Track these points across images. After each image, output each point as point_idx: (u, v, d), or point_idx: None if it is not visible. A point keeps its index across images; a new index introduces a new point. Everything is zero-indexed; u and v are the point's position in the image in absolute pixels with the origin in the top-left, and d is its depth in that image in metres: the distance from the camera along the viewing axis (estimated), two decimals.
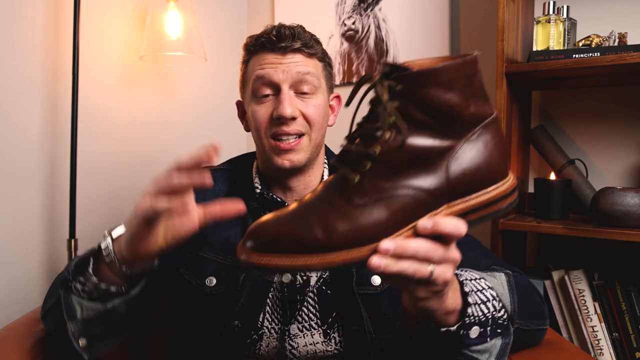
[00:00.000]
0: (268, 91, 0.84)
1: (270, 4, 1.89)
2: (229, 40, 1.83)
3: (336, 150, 0.98)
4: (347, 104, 0.54)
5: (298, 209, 0.50)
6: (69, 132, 1.26)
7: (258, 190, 0.89)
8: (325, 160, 0.94)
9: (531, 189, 1.30)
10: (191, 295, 0.87)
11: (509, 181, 0.53)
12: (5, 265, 1.22)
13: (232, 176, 0.93)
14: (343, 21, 1.70)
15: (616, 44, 1.12)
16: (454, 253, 0.52)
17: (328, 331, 0.84)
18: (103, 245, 0.65)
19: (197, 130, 1.72)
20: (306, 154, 0.85)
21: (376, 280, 0.84)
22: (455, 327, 0.59)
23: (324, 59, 0.89)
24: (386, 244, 0.48)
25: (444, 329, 0.59)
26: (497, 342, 0.62)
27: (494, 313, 0.61)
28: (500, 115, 1.11)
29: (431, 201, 0.50)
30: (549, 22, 1.15)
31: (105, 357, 0.86)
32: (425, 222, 0.49)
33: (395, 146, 0.48)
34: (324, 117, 0.87)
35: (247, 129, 0.92)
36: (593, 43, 1.13)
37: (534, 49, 1.18)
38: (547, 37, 1.16)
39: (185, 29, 1.41)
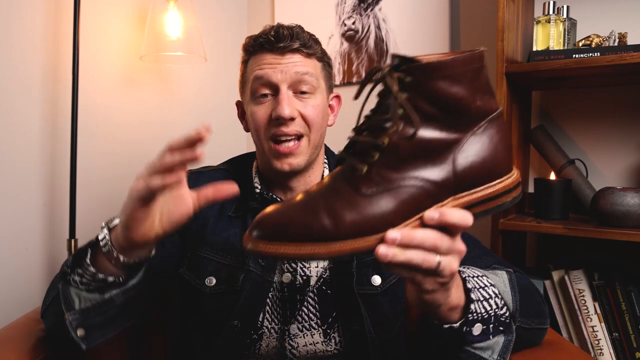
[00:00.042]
0: (267, 91, 0.84)
1: (270, 4, 1.89)
2: (229, 40, 1.83)
3: (336, 150, 0.98)
4: (356, 97, 0.54)
5: (305, 199, 0.51)
6: (69, 132, 1.26)
7: (258, 191, 0.89)
8: (325, 160, 0.94)
9: (531, 189, 1.30)
10: (191, 295, 0.87)
11: (514, 176, 0.54)
12: (5, 265, 1.22)
13: (231, 176, 0.93)
14: (343, 21, 1.70)
15: (616, 44, 1.12)
16: (460, 244, 0.52)
17: (328, 331, 0.84)
18: (100, 236, 0.65)
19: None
20: (305, 157, 0.85)
21: (376, 280, 0.84)
22: (458, 324, 0.59)
23: (323, 58, 0.89)
24: (393, 233, 0.48)
25: (447, 326, 0.59)
26: (499, 339, 0.62)
27: (496, 310, 0.62)
28: None
29: (438, 193, 0.51)
30: (549, 22, 1.15)
31: (106, 357, 0.87)
32: (432, 213, 0.50)
33: (405, 137, 0.49)
34: (322, 117, 0.87)
35: (247, 130, 0.92)
36: (593, 43, 1.13)
37: (534, 49, 1.18)
38: (547, 37, 1.16)
39: (185, 29, 1.41)
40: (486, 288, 0.63)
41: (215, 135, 1.76)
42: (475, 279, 0.63)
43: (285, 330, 0.84)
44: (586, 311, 1.09)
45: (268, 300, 0.85)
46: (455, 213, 0.50)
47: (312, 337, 0.84)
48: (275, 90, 0.84)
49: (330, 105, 0.93)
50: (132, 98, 1.50)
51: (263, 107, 0.85)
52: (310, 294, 0.85)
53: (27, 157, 1.25)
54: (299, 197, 0.52)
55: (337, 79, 1.71)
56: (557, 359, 0.78)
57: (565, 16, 1.17)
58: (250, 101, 0.87)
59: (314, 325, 0.84)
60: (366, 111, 0.54)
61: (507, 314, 0.63)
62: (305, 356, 0.84)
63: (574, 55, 1.09)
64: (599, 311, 1.08)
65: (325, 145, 0.96)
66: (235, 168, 0.95)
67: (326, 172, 0.93)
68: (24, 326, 0.85)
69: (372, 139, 0.51)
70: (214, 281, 0.84)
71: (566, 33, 1.17)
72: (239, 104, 0.95)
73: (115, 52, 1.44)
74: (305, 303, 0.84)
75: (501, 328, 0.62)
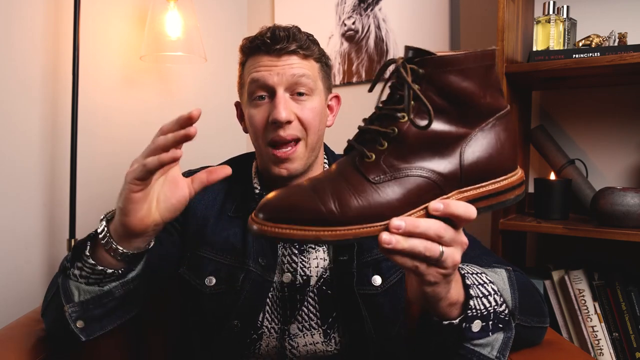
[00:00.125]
0: (263, 94, 0.84)
1: (270, 4, 1.89)
2: (229, 40, 1.83)
3: (337, 150, 0.98)
4: (371, 89, 0.55)
5: (312, 183, 0.52)
6: (69, 132, 1.26)
7: (257, 191, 0.89)
8: (325, 160, 0.94)
9: (531, 189, 1.29)
10: (191, 295, 0.87)
11: (518, 174, 0.55)
12: (5, 265, 1.22)
13: (230, 177, 0.92)
14: (343, 21, 1.70)
15: (616, 44, 1.12)
16: (463, 237, 0.53)
17: (328, 331, 0.84)
18: (99, 229, 0.65)
19: (197, 130, 1.72)
20: (302, 161, 0.85)
21: (377, 280, 0.84)
22: (457, 320, 0.59)
23: (321, 59, 0.88)
24: (397, 221, 0.49)
25: (446, 322, 0.59)
26: (498, 336, 0.62)
27: (495, 307, 0.62)
28: None
29: (443, 185, 0.51)
30: (549, 22, 1.15)
31: (106, 357, 0.87)
32: (437, 204, 0.50)
33: (416, 127, 0.50)
34: (320, 119, 0.86)
35: (246, 131, 0.92)
36: (593, 43, 1.13)
37: (534, 49, 1.18)
38: (547, 37, 1.16)
39: (185, 29, 1.41)
40: (485, 285, 0.63)
41: (215, 135, 1.76)
42: (474, 275, 0.63)
43: (285, 330, 0.84)
44: (586, 311, 1.09)
45: (268, 300, 0.85)
46: (459, 205, 0.50)
47: (312, 337, 0.84)
48: (271, 92, 0.83)
49: (329, 106, 0.93)
50: (132, 98, 1.50)
51: (260, 111, 0.84)
52: (311, 293, 0.85)
53: (27, 157, 1.25)
54: (305, 182, 0.53)
55: (337, 79, 1.71)
56: (557, 358, 0.78)
57: (565, 16, 1.17)
58: (248, 103, 0.87)
59: (314, 325, 0.84)
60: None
61: (506, 311, 0.64)
62: (305, 356, 0.84)
63: (574, 55, 1.09)
64: (599, 311, 1.08)
65: (325, 145, 0.96)
66: (234, 168, 0.95)
67: None
68: (24, 326, 0.85)
69: (383, 128, 0.51)
70: (214, 281, 0.84)
71: (566, 33, 1.17)
72: (238, 105, 0.95)
73: (115, 52, 1.45)
74: (306, 303, 0.84)
75: (500, 325, 0.63)
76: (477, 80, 0.51)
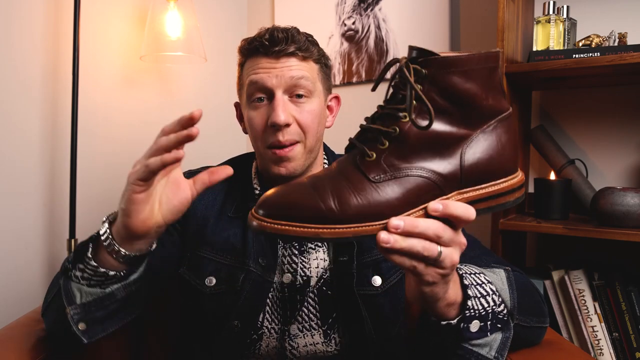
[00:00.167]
0: (262, 96, 0.84)
1: (270, 4, 1.89)
2: (229, 40, 1.83)
3: (337, 150, 0.98)
4: (374, 88, 0.55)
5: (312, 181, 0.52)
6: (69, 132, 1.26)
7: (257, 192, 0.89)
8: (325, 160, 0.94)
9: (531, 189, 1.30)
10: (191, 295, 0.87)
11: (518, 176, 0.55)
12: (5, 264, 1.22)
13: (230, 177, 0.92)
14: (343, 21, 1.70)
15: (616, 44, 1.12)
16: (462, 237, 0.53)
17: (328, 332, 0.84)
18: (101, 231, 0.65)
19: (199, 131, 1.72)
20: (301, 161, 0.85)
21: (377, 280, 0.84)
22: (455, 321, 0.59)
23: (320, 60, 0.88)
24: (396, 220, 0.49)
25: (444, 323, 0.59)
26: (497, 337, 0.62)
27: (493, 307, 0.62)
28: None
29: (443, 186, 0.52)
30: (549, 22, 1.15)
31: (106, 357, 0.87)
32: (436, 205, 0.51)
33: (417, 127, 0.50)
34: (319, 121, 0.86)
35: (246, 131, 0.92)
36: (593, 43, 1.13)
37: (534, 49, 1.18)
38: (547, 37, 1.16)
39: (185, 29, 1.41)
40: (483, 285, 0.63)
41: (215, 135, 1.76)
42: (472, 275, 0.63)
43: (285, 331, 0.84)
44: (586, 311, 1.09)
45: (268, 300, 0.85)
46: (459, 206, 0.50)
47: (312, 337, 0.84)
48: (270, 95, 0.83)
49: (328, 107, 0.93)
50: (132, 98, 1.50)
51: (259, 113, 0.84)
52: (311, 294, 0.85)
53: (27, 157, 1.25)
54: (305, 179, 0.53)
55: (337, 79, 1.71)
56: (557, 358, 0.78)
57: (565, 16, 1.17)
58: (247, 105, 0.86)
59: (314, 325, 0.84)
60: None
61: (504, 311, 0.64)
62: (305, 356, 0.84)
63: (574, 55, 1.09)
64: (599, 311, 1.08)
65: (325, 145, 0.96)
66: (235, 168, 0.95)
67: None
68: (24, 326, 0.85)
69: (384, 127, 0.52)
70: (214, 281, 0.84)
71: (566, 33, 1.17)
72: (237, 106, 0.94)
73: (115, 52, 1.44)
74: (306, 303, 0.84)
75: (499, 325, 0.63)
76: (480, 81, 0.51)
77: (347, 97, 1.57)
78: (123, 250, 0.64)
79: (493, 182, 0.53)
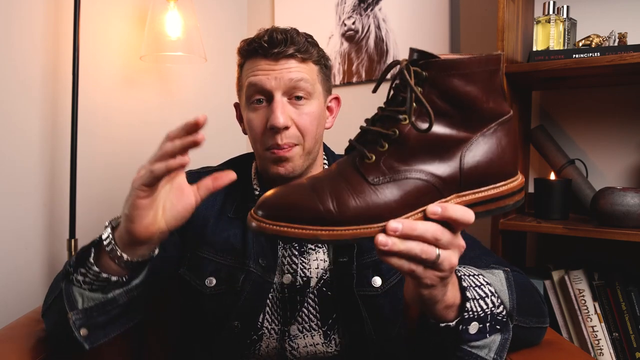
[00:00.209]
0: (261, 98, 0.84)
1: (270, 4, 1.89)
2: (229, 40, 1.83)
3: (337, 150, 0.98)
4: (374, 90, 0.55)
5: (311, 182, 0.52)
6: (69, 132, 1.26)
7: (257, 193, 0.89)
8: (325, 161, 0.94)
9: (531, 189, 1.30)
10: (191, 296, 0.87)
11: (518, 180, 0.55)
12: (5, 264, 1.22)
13: None
14: (343, 21, 1.70)
15: (616, 44, 1.12)
16: (460, 240, 0.53)
17: (328, 332, 0.84)
18: (104, 236, 0.65)
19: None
20: (299, 162, 0.85)
21: (377, 281, 0.84)
22: (454, 323, 0.59)
23: (320, 61, 0.87)
24: (395, 223, 0.49)
25: (443, 325, 0.59)
26: (496, 338, 0.62)
27: (492, 309, 0.62)
28: None
29: (442, 189, 0.51)
30: (549, 22, 1.15)
31: (106, 357, 0.86)
32: (435, 207, 0.50)
33: (417, 130, 0.50)
34: (318, 123, 0.86)
35: (245, 132, 0.92)
36: (593, 43, 1.13)
37: (534, 49, 1.18)
38: (547, 37, 1.16)
39: (185, 29, 1.41)
40: (482, 287, 0.63)
41: (215, 135, 1.76)
42: (471, 277, 0.63)
43: (285, 331, 0.84)
44: (586, 311, 1.09)
45: (268, 301, 0.85)
46: (458, 209, 0.50)
47: (312, 338, 0.84)
48: (269, 97, 0.83)
49: (328, 107, 0.93)
50: (132, 98, 1.50)
51: (258, 115, 0.84)
52: (311, 295, 0.85)
53: (27, 157, 1.25)
54: (305, 180, 0.53)
55: (337, 79, 1.71)
56: (557, 358, 0.78)
57: (565, 16, 1.17)
58: (246, 107, 0.86)
59: (314, 326, 0.84)
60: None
61: (503, 313, 0.63)
62: (305, 357, 0.84)
63: (574, 55, 1.09)
64: (599, 311, 1.08)
65: (325, 145, 0.96)
66: (235, 168, 0.95)
67: None
68: (24, 326, 0.85)
69: (384, 129, 0.51)
70: (214, 281, 0.84)
71: (566, 33, 1.17)
72: (237, 106, 0.94)
73: (115, 52, 1.44)
74: (306, 304, 0.84)
75: (498, 327, 0.62)
76: (481, 84, 0.51)
77: (347, 97, 1.57)
78: (125, 255, 0.64)
79: (492, 185, 0.53)
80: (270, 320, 0.84)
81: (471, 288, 0.61)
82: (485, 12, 1.43)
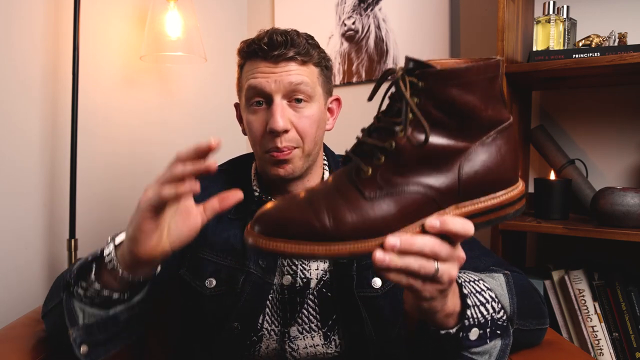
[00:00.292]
0: (261, 100, 0.83)
1: (270, 4, 1.89)
2: (229, 40, 1.83)
3: (337, 150, 0.98)
4: (370, 98, 0.53)
5: (308, 196, 0.51)
6: (69, 132, 1.26)
7: (257, 194, 0.89)
8: (325, 162, 0.94)
9: (531, 189, 1.30)
10: (191, 296, 0.87)
11: (519, 187, 0.53)
12: (5, 265, 1.22)
13: (231, 178, 0.92)
14: (343, 21, 1.70)
15: (616, 44, 1.12)
16: (460, 252, 0.52)
17: (328, 333, 0.84)
18: (106, 252, 0.64)
19: (197, 130, 1.72)
20: (299, 164, 0.84)
21: (377, 282, 0.84)
22: (454, 330, 0.59)
23: (321, 62, 0.87)
24: (393, 239, 0.48)
25: (443, 332, 0.59)
26: (496, 343, 0.62)
27: (493, 314, 0.61)
28: None
29: (440, 200, 0.50)
30: (549, 22, 1.15)
31: (105, 357, 0.86)
32: (433, 221, 0.50)
33: (414, 143, 0.49)
34: (318, 126, 0.85)
35: (245, 133, 0.91)
36: (593, 43, 1.13)
37: (534, 49, 1.17)
38: (547, 37, 1.16)
39: (185, 29, 1.41)
40: (482, 292, 0.62)
41: (215, 135, 1.76)
42: (471, 283, 0.62)
43: (285, 333, 0.84)
44: (586, 311, 1.09)
45: (268, 302, 0.85)
46: (457, 222, 0.49)
47: (312, 339, 0.84)
48: (269, 100, 0.82)
49: (329, 109, 0.92)
50: (132, 98, 1.50)
51: (258, 118, 0.84)
52: (311, 296, 0.85)
53: (27, 157, 1.25)
54: (302, 193, 0.52)
55: (337, 79, 1.71)
56: (557, 359, 0.78)
57: (565, 16, 1.16)
58: (246, 108, 0.86)
59: (314, 327, 0.84)
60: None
61: (504, 318, 0.63)
62: (305, 358, 0.84)
63: (574, 55, 1.09)
64: (599, 311, 1.08)
65: (325, 146, 0.96)
66: (234, 169, 0.95)
67: (326, 174, 0.92)
68: (24, 326, 0.85)
69: (380, 141, 0.50)
70: (214, 282, 0.84)
71: (566, 33, 1.17)
72: (237, 106, 0.94)
73: (115, 52, 1.44)
74: (306, 305, 0.84)
75: (498, 332, 0.62)
76: (480, 93, 0.49)
77: (347, 97, 1.56)
78: (126, 275, 0.63)
79: (492, 195, 0.52)
80: (270, 322, 0.84)
81: (472, 294, 0.60)
82: (485, 12, 1.42)
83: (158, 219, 0.59)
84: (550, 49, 1.14)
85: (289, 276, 0.85)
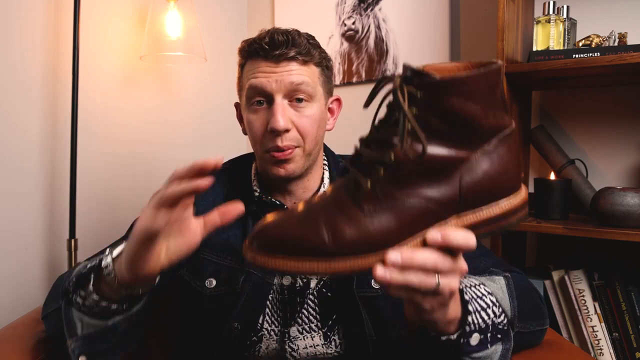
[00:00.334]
0: (261, 99, 0.83)
1: (270, 4, 1.89)
2: (229, 40, 1.83)
3: (337, 150, 0.98)
4: (366, 105, 0.52)
5: (307, 211, 0.50)
6: (69, 132, 1.26)
7: (257, 194, 0.89)
8: (325, 162, 0.94)
9: (531, 189, 1.30)
10: (191, 297, 0.87)
11: (521, 194, 0.52)
12: (5, 265, 1.22)
13: (231, 178, 0.92)
14: (343, 21, 1.70)
15: (616, 44, 1.12)
16: (462, 264, 0.51)
17: (328, 333, 0.84)
18: (103, 264, 0.63)
19: (197, 130, 1.72)
20: (300, 164, 0.84)
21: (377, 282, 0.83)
22: (455, 336, 0.58)
23: (322, 62, 0.87)
24: (394, 255, 0.47)
25: (444, 337, 0.58)
26: (497, 348, 0.61)
27: (493, 319, 0.61)
28: None
29: (441, 211, 0.49)
30: (549, 22, 1.15)
31: None
32: (435, 235, 0.48)
33: (413, 154, 0.48)
34: (318, 126, 0.85)
35: (245, 132, 0.91)
36: (593, 43, 1.13)
37: (534, 49, 1.17)
38: (547, 37, 1.16)
39: (185, 29, 1.41)
40: (484, 297, 0.62)
41: (215, 135, 1.76)
42: (472, 289, 0.62)
43: (285, 333, 0.84)
44: (586, 311, 1.09)
45: (268, 302, 0.85)
46: (458, 235, 0.48)
47: (313, 339, 0.84)
48: (270, 99, 0.82)
49: (329, 109, 0.92)
50: (132, 98, 1.50)
51: (258, 117, 0.84)
52: (311, 296, 0.85)
53: (27, 157, 1.25)
54: (301, 207, 0.51)
55: (337, 79, 1.71)
56: (557, 359, 0.78)
57: (565, 16, 1.17)
58: (246, 108, 0.86)
59: (314, 327, 0.84)
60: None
61: (505, 322, 0.63)
62: (305, 358, 0.84)
63: (574, 55, 1.09)
64: (599, 311, 1.08)
65: (325, 146, 0.95)
66: (235, 169, 0.95)
67: (326, 174, 0.92)
68: (24, 326, 0.85)
69: (379, 154, 0.49)
70: (214, 282, 0.84)
71: (566, 33, 1.17)
72: (238, 106, 0.94)
73: (115, 52, 1.44)
74: (306, 305, 0.84)
75: (499, 336, 0.62)
76: (480, 101, 0.48)
77: (347, 97, 1.56)
78: (124, 289, 0.62)
79: (494, 204, 0.50)
80: (270, 322, 0.84)
81: (473, 300, 0.60)
82: (485, 12, 1.42)
83: (154, 243, 0.58)
84: (550, 49, 1.14)
85: (289, 276, 0.85)
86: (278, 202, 0.87)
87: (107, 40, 1.42)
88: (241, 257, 0.84)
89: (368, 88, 1.67)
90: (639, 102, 1.24)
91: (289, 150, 0.82)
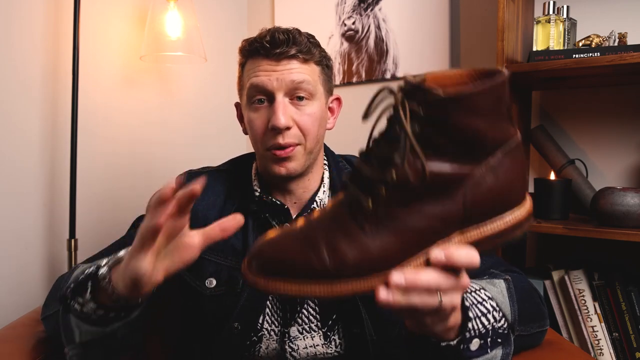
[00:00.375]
0: (262, 98, 0.83)
1: (270, 4, 1.89)
2: (229, 40, 1.83)
3: (337, 150, 0.98)
4: (365, 117, 0.50)
5: (306, 231, 0.48)
6: (69, 132, 1.26)
7: (257, 193, 0.89)
8: (325, 162, 0.94)
9: (531, 189, 1.30)
10: (191, 297, 0.87)
11: (525, 206, 0.51)
12: (6, 265, 1.22)
13: (231, 178, 0.92)
14: (343, 21, 1.70)
15: (616, 44, 1.12)
16: (464, 280, 0.50)
17: (328, 333, 0.84)
18: (100, 274, 0.62)
19: (197, 130, 1.72)
20: (301, 162, 0.84)
21: None
22: (455, 342, 0.58)
23: (322, 61, 0.87)
24: (397, 277, 0.46)
25: (444, 344, 0.58)
26: (497, 353, 0.61)
27: (494, 324, 0.60)
28: None
29: (444, 228, 0.48)
30: (549, 22, 1.15)
31: None
32: (439, 255, 0.47)
33: (414, 173, 0.46)
34: (319, 124, 0.85)
35: (246, 132, 0.91)
36: (593, 43, 1.13)
37: (534, 49, 1.18)
38: (547, 37, 1.16)
39: (185, 29, 1.41)
40: (484, 303, 0.61)
41: (215, 135, 1.77)
42: (473, 294, 0.61)
43: (285, 333, 0.84)
44: (586, 311, 1.09)
45: (268, 302, 0.85)
46: (462, 254, 0.47)
47: (313, 339, 0.84)
48: (271, 97, 0.83)
49: (330, 108, 0.92)
50: (132, 98, 1.50)
51: (260, 116, 0.84)
52: None
53: (27, 157, 1.25)
54: (300, 223, 0.50)
55: (337, 79, 1.71)
56: (557, 359, 0.78)
57: (565, 16, 1.17)
58: (247, 107, 0.86)
59: (314, 327, 0.84)
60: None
61: (505, 326, 0.62)
62: (305, 358, 0.84)
63: (574, 55, 1.09)
64: (599, 311, 1.08)
65: (325, 146, 0.96)
66: (235, 169, 0.95)
67: (326, 174, 0.92)
68: (24, 326, 0.85)
69: (380, 173, 0.47)
70: (215, 282, 0.84)
71: (566, 33, 1.17)
72: (238, 106, 0.94)
73: (115, 52, 1.44)
74: (306, 305, 0.84)
75: (499, 340, 0.61)
76: (486, 115, 0.46)
77: (347, 97, 1.56)
78: (123, 299, 0.61)
79: (498, 217, 0.49)
80: (270, 322, 0.84)
81: (473, 306, 0.59)
82: (485, 12, 1.42)
83: (151, 258, 0.57)
84: (550, 49, 1.14)
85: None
86: (278, 202, 0.87)
87: (107, 40, 1.42)
88: (241, 257, 0.84)
89: (368, 88, 1.67)
90: (639, 102, 1.24)
91: (290, 148, 0.82)
